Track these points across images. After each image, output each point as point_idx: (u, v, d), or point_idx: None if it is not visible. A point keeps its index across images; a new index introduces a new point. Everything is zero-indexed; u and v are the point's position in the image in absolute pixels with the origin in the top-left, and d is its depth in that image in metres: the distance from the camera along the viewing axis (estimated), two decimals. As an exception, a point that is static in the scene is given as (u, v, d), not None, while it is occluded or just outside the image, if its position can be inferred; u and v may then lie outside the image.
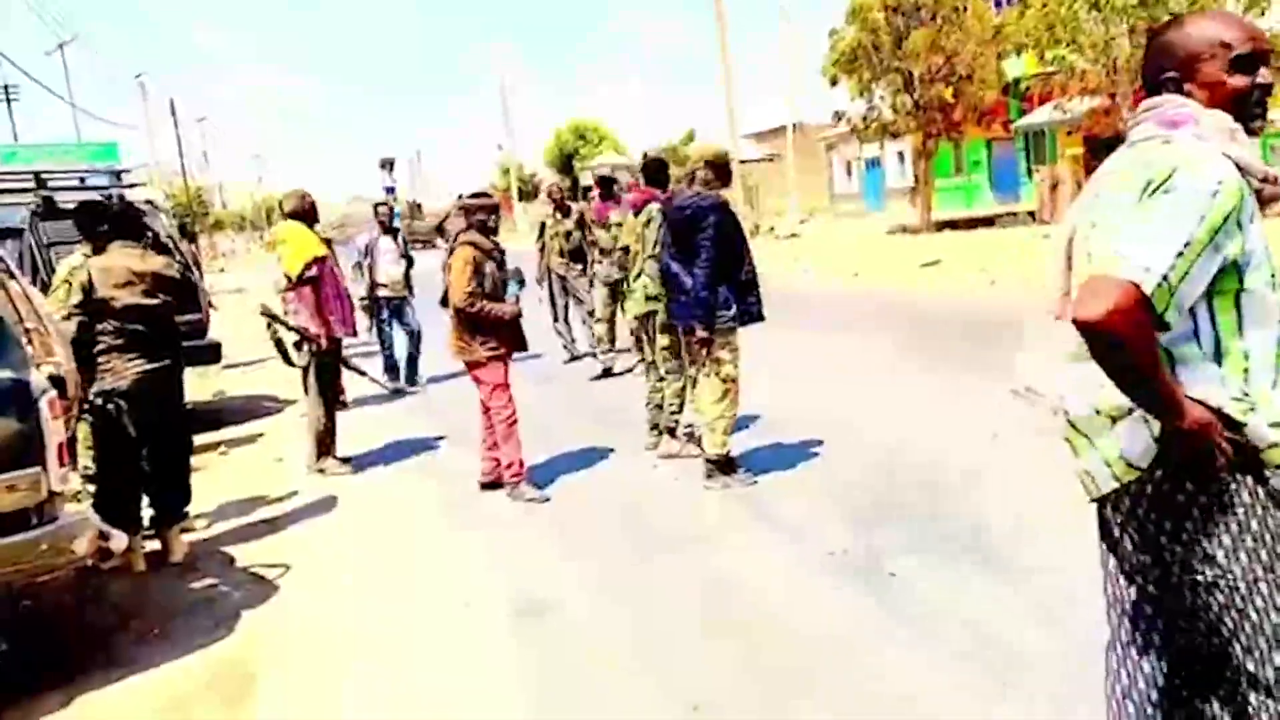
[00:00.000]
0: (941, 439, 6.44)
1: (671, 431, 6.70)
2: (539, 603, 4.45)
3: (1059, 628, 3.69)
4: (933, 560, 4.48)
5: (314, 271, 6.73)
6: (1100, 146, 23.46)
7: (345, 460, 7.12)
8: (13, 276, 4.21)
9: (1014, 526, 4.75)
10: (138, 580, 5.18)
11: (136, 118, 45.79)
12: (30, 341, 4.02)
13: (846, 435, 6.75)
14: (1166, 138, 2.05)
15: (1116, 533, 2.17)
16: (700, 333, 5.69)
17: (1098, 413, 2.07)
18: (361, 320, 8.62)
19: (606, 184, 10.58)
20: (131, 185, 9.15)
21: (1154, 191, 1.92)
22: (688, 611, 4.22)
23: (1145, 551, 2.11)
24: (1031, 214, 25.32)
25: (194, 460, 6.02)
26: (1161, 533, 2.05)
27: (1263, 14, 17.79)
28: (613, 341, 10.07)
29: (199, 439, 7.15)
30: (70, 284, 5.82)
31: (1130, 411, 2.01)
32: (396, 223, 10.55)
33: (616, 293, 9.17)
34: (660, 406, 6.77)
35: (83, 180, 8.96)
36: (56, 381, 4.00)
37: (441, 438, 7.71)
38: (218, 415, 9.47)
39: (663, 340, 6.64)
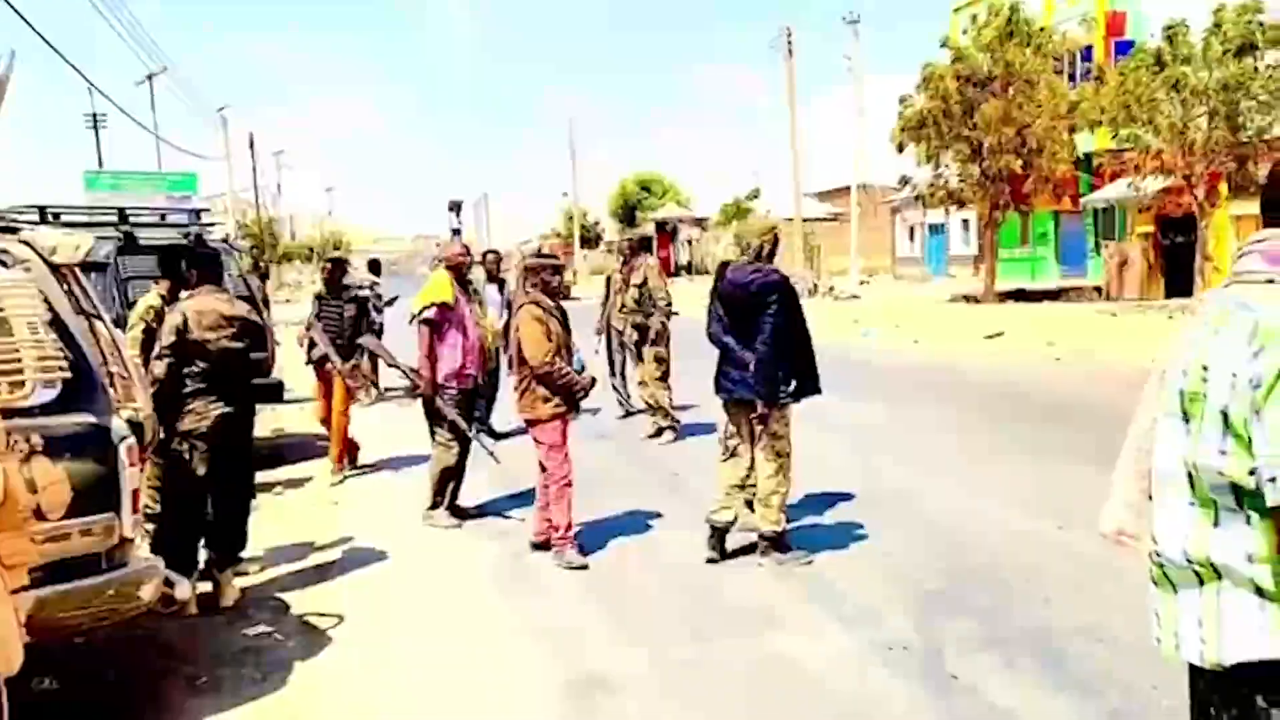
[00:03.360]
0: (1006, 526, 6.28)
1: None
2: (592, 678, 4.37)
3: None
4: (995, 662, 4.33)
5: (432, 314, 6.80)
6: (1171, 226, 23.13)
7: (458, 514, 6.99)
8: (100, 320, 4.26)
9: (1080, 630, 4.59)
10: (187, 624, 5.19)
11: (216, 148, 46.98)
12: (113, 385, 4.06)
13: (909, 515, 6.62)
14: (1271, 276, 1.96)
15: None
16: (761, 409, 5.62)
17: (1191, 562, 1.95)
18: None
19: (643, 244, 10.69)
20: (209, 225, 9.35)
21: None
22: (749, 700, 4.11)
23: None
24: (1098, 289, 24.97)
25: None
26: None
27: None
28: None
29: (261, 476, 7.21)
30: (148, 323, 5.94)
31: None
32: (501, 273, 10.56)
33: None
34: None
35: (163, 217, 9.17)
36: (135, 427, 4.03)
37: (508, 493, 7.68)
38: (276, 454, 9.56)
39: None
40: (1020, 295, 26.13)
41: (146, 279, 7.01)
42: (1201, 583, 1.96)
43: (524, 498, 6.93)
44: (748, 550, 5.97)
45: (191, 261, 5.55)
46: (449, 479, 6.97)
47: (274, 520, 7.16)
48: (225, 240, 9.78)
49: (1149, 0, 26.55)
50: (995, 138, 24.09)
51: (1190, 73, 20.08)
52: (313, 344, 8.66)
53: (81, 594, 3.68)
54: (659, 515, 6.89)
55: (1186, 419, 1.98)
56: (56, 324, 3.81)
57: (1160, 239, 23.79)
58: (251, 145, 52.00)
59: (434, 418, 6.91)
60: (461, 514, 7.05)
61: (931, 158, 25.83)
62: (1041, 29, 25.34)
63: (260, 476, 7.79)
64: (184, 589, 4.31)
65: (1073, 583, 5.15)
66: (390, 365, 7.51)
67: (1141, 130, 20.45)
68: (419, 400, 6.99)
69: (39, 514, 3.56)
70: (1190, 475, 1.98)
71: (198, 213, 9.57)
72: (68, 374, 3.75)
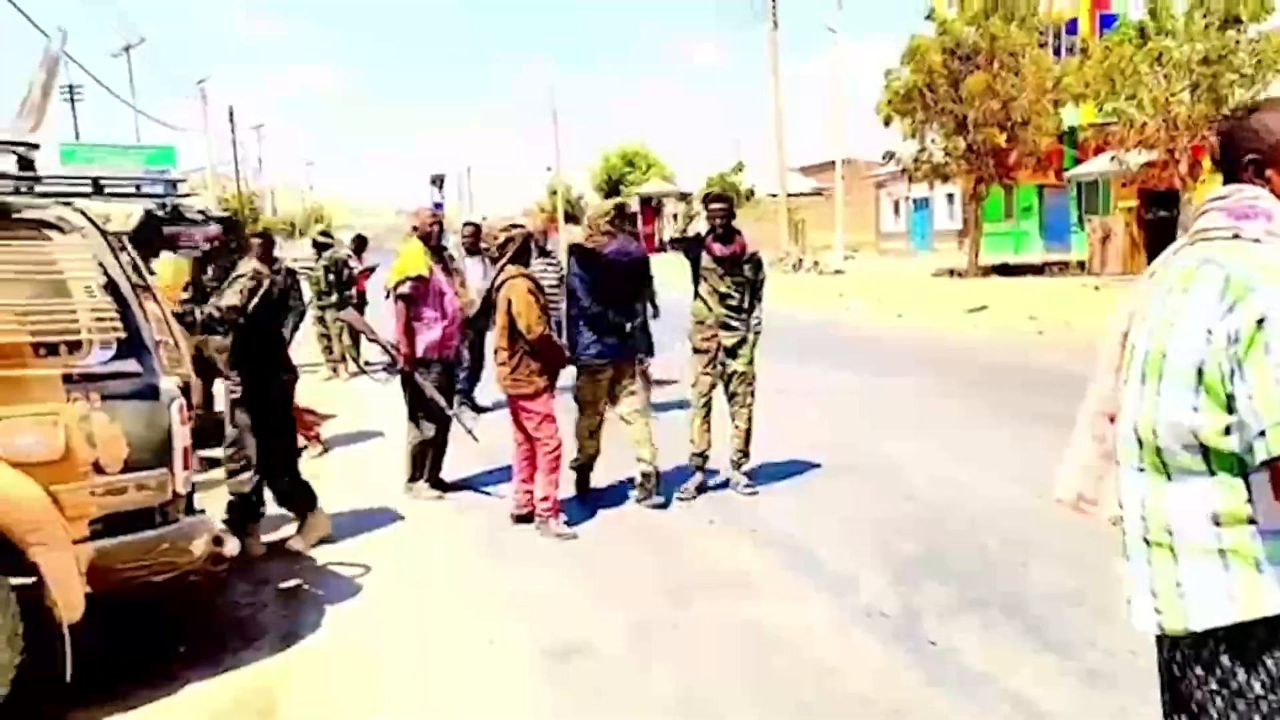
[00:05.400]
0: (986, 494, 6.32)
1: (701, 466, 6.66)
2: (570, 645, 4.38)
3: (1100, 704, 3.56)
4: (974, 626, 4.36)
5: (407, 289, 6.73)
6: (1155, 200, 23.17)
7: (440, 486, 7.02)
8: (148, 288, 4.35)
9: (1058, 595, 4.62)
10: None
11: (195, 120, 46.52)
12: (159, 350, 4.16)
13: (888, 483, 6.65)
14: (1235, 229, 1.94)
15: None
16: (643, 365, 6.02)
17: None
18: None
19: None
20: (186, 195, 9.21)
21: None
22: (726, 664, 4.13)
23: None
24: (1081, 264, 25.03)
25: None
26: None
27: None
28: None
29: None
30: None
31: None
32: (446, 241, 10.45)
33: None
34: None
35: (138, 188, 9.02)
36: (183, 389, 4.16)
37: (486, 469, 7.66)
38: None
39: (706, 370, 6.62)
40: (1004, 270, 26.18)
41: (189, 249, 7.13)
42: (1159, 549, 1.95)
43: (503, 472, 6.90)
44: (732, 521, 5.98)
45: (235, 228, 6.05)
46: (426, 452, 6.95)
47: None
48: (202, 212, 9.64)
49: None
50: (980, 111, 24.04)
51: (1174, 46, 20.06)
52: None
53: (137, 547, 3.85)
54: (633, 488, 6.88)
55: (1144, 381, 1.97)
56: (111, 288, 3.96)
57: (1144, 213, 23.82)
58: (231, 119, 51.48)
59: (413, 393, 6.88)
60: (444, 487, 7.03)
61: (917, 132, 25.77)
62: (1026, 1, 25.24)
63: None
64: (232, 545, 4.39)
65: (1050, 548, 5.18)
66: (371, 340, 7.44)
67: (1125, 104, 20.44)
68: (399, 376, 6.94)
69: (97, 468, 3.74)
70: (1140, 439, 1.97)
71: (174, 183, 9.41)
72: (122, 334, 3.93)
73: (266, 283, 5.76)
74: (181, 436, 4.00)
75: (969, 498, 6.28)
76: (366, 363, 12.17)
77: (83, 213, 4.11)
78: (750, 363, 6.54)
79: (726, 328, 6.48)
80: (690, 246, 6.60)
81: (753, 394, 6.56)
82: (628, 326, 6.47)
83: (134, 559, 3.85)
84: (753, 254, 6.53)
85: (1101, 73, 20.62)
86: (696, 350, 6.59)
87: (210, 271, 7.76)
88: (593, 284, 6.31)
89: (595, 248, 6.35)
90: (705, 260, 6.48)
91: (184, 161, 36.18)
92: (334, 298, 12.39)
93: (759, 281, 6.57)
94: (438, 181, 36.74)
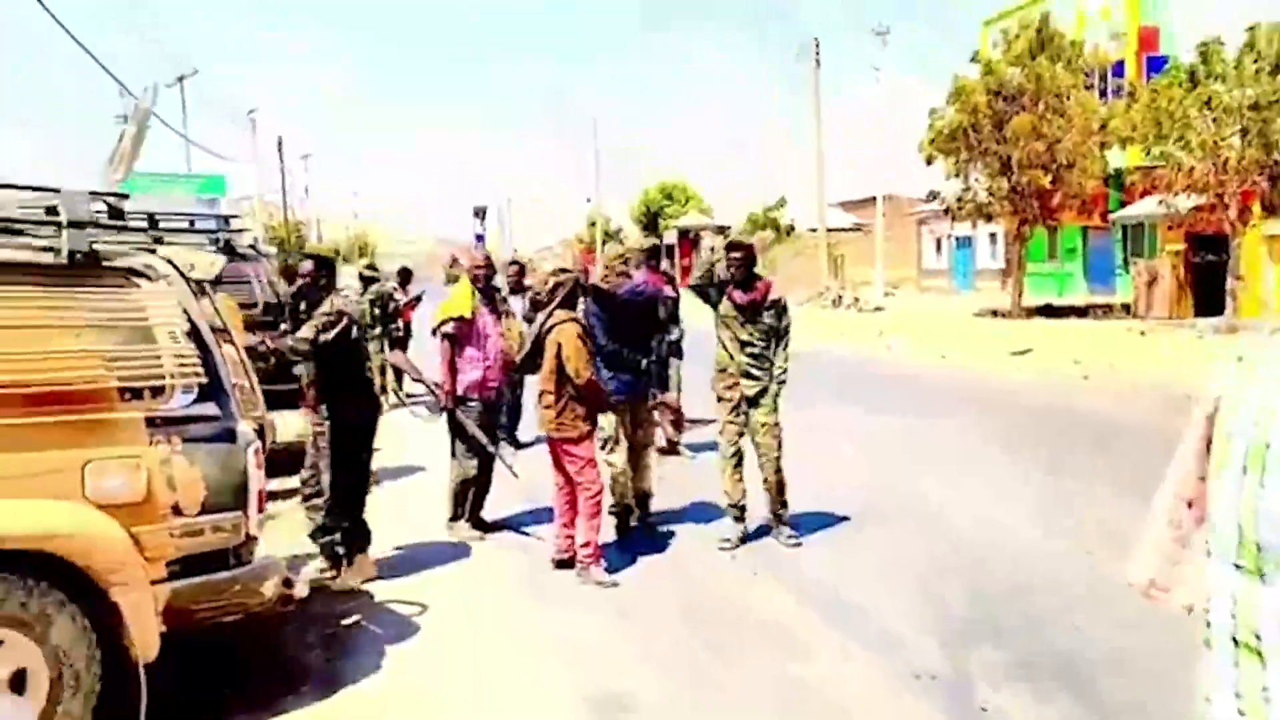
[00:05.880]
0: (1035, 549, 6.21)
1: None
2: (613, 697, 4.34)
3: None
4: (1026, 691, 4.28)
5: (450, 329, 6.84)
6: (1203, 244, 22.88)
7: (481, 526, 7.03)
8: (227, 333, 4.49)
9: (1110, 660, 4.53)
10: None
11: (245, 150, 47.36)
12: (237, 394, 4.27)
13: (934, 534, 6.58)
14: None
15: None
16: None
17: None
18: None
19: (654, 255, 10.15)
20: (238, 230, 9.37)
21: None
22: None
23: None
24: (1126, 307, 24.73)
25: (278, 506, 6.12)
26: None
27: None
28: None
29: (280, 483, 7.21)
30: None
31: None
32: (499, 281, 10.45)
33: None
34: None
35: (192, 223, 9.20)
36: (258, 432, 4.27)
37: (526, 508, 7.65)
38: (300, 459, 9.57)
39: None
40: (1047, 311, 25.93)
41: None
42: (1246, 651, 1.90)
43: (543, 512, 6.90)
44: (774, 571, 5.93)
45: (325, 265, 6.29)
46: (468, 490, 6.97)
47: (297, 527, 7.16)
48: (253, 246, 9.80)
49: (1181, 16, 26.36)
50: (1024, 152, 23.91)
51: (1223, 90, 19.89)
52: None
53: (211, 587, 3.93)
54: (673, 534, 6.86)
55: (1245, 472, 1.92)
56: (193, 333, 4.08)
57: (1191, 257, 23.53)
58: (280, 148, 52.32)
59: (456, 430, 6.92)
60: (484, 526, 7.04)
61: (960, 171, 25.68)
62: (1072, 43, 25.15)
63: (285, 483, 7.81)
64: (302, 588, 4.48)
65: (1103, 609, 5.07)
66: (415, 380, 7.52)
67: (1173, 147, 20.25)
68: (443, 414, 7.00)
69: (176, 510, 3.83)
70: (1240, 534, 1.92)
71: (226, 218, 9.59)
72: (203, 379, 4.03)
73: (345, 320, 5.92)
74: (256, 480, 4.08)
75: (1017, 551, 6.18)
76: (409, 395, 12.26)
77: (169, 260, 4.23)
78: (772, 412, 6.42)
79: (749, 376, 6.41)
80: (708, 292, 6.57)
81: (778, 444, 6.42)
82: (643, 363, 6.70)
83: (208, 599, 3.93)
84: (775, 300, 6.45)
85: (1149, 116, 20.46)
86: (720, 399, 6.55)
87: (303, 306, 7.94)
88: (609, 323, 6.51)
89: (610, 288, 6.52)
90: (726, 307, 6.45)
91: (233, 189, 36.77)
92: (378, 330, 12.51)
93: (783, 329, 6.48)
94: (480, 214, 37.21)
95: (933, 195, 27.61)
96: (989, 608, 5.29)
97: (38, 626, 3.52)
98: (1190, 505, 2.10)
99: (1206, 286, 22.52)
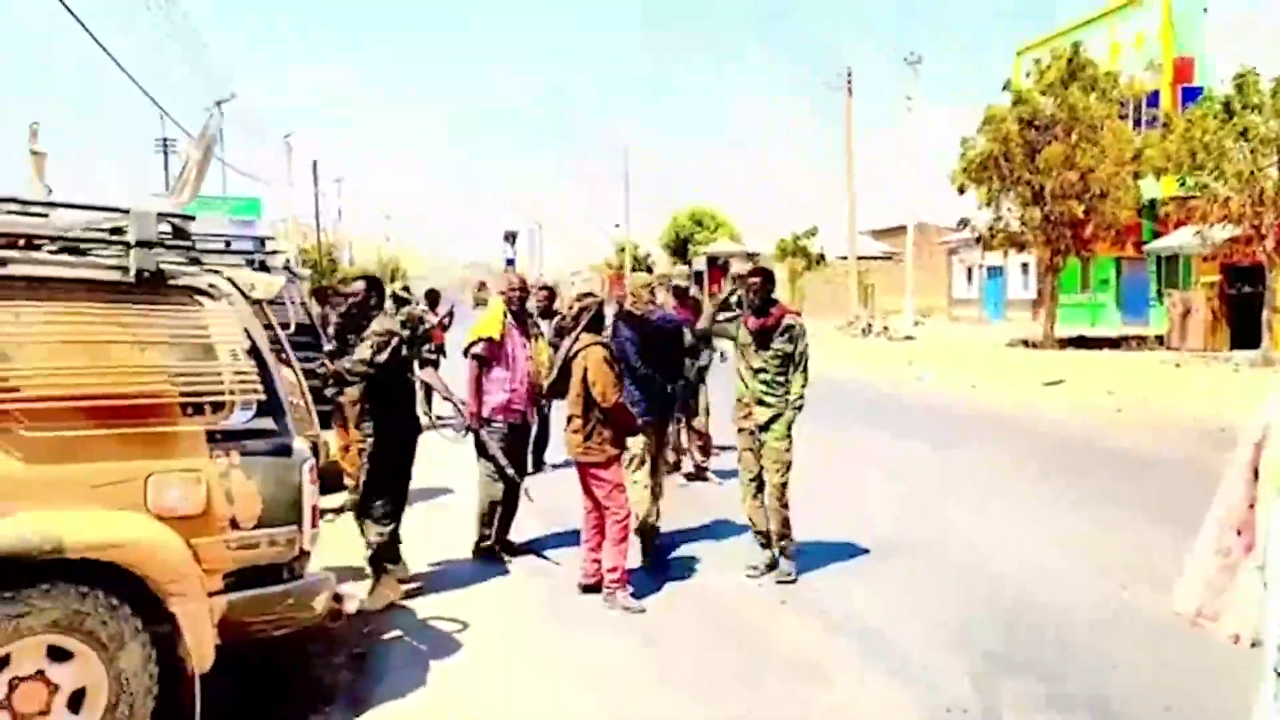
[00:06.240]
0: (1068, 582, 6.13)
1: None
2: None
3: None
4: (1057, 728, 4.20)
5: (480, 349, 6.92)
6: (1238, 275, 22.61)
7: (508, 549, 7.04)
8: (283, 353, 4.58)
9: (1145, 699, 4.44)
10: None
11: (279, 172, 48.02)
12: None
13: (966, 563, 6.51)
14: None
15: None
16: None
17: None
18: None
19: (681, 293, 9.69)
20: (273, 252, 9.49)
21: None
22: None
23: None
24: (1160, 338, 24.46)
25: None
26: None
27: None
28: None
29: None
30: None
31: None
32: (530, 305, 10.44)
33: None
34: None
35: (228, 244, 9.33)
36: (313, 449, 4.35)
37: (552, 532, 7.65)
38: (334, 479, 9.63)
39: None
40: (1080, 342, 25.67)
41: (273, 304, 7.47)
42: None
43: (568, 535, 6.90)
44: (801, 598, 5.88)
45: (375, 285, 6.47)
46: (495, 512, 6.97)
47: (328, 547, 7.19)
48: (286, 267, 9.91)
49: (1216, 47, 26.19)
50: (1057, 182, 23.77)
51: (1259, 121, 19.72)
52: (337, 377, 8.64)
53: (265, 601, 3.99)
54: (700, 559, 6.83)
55: None
56: (253, 351, 4.16)
57: (1226, 289, 23.25)
58: (314, 172, 53.02)
59: (480, 451, 6.94)
60: (510, 550, 7.04)
61: (992, 200, 25.56)
62: (1106, 73, 25.03)
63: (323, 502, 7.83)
64: (352, 602, 4.54)
65: (1138, 646, 4.99)
66: (445, 398, 7.54)
67: (1209, 178, 20.07)
68: (469, 434, 7.03)
69: (234, 523, 3.89)
70: None
71: (262, 240, 9.72)
72: (261, 395, 4.11)
73: (396, 340, 6.03)
74: (310, 495, 4.14)
75: (1051, 587, 6.09)
76: (439, 417, 12.30)
77: (231, 280, 4.33)
78: (781, 439, 6.29)
79: (761, 403, 6.34)
80: (725, 327, 6.67)
81: (783, 472, 6.30)
82: (669, 388, 6.89)
83: (262, 612, 3.98)
84: (789, 326, 6.33)
85: (1184, 146, 20.31)
86: (739, 429, 6.50)
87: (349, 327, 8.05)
88: (641, 347, 6.63)
89: (642, 314, 6.70)
90: (742, 334, 6.43)
91: (268, 211, 37.24)
92: (408, 352, 12.59)
93: (798, 354, 6.31)
94: (510, 238, 37.47)
95: (964, 223, 27.47)
96: (1019, 638, 5.22)
97: (111, 648, 3.58)
98: (1239, 533, 2.08)
99: (1242, 319, 22.24)
